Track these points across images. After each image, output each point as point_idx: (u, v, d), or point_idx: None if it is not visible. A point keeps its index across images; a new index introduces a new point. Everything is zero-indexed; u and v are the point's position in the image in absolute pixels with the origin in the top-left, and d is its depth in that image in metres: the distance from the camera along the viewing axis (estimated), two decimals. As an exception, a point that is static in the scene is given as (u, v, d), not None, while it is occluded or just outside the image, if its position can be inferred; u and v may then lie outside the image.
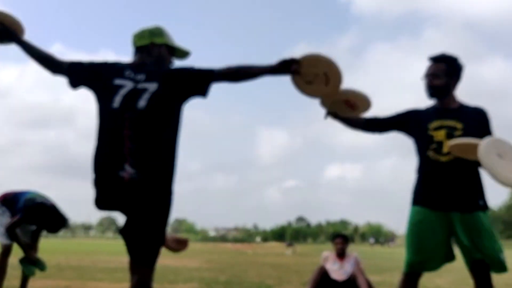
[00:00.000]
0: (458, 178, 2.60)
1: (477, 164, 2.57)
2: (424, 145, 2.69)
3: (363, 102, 2.79)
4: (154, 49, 2.34)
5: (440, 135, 2.66)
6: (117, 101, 2.18)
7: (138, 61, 2.34)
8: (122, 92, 2.20)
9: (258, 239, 67.24)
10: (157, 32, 2.39)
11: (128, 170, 2.10)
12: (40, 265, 4.58)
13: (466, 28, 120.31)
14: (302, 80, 2.54)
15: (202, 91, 2.27)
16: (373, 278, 6.57)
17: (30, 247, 4.55)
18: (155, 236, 2.19)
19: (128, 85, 2.21)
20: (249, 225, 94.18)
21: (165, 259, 12.23)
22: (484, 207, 2.63)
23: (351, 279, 5.23)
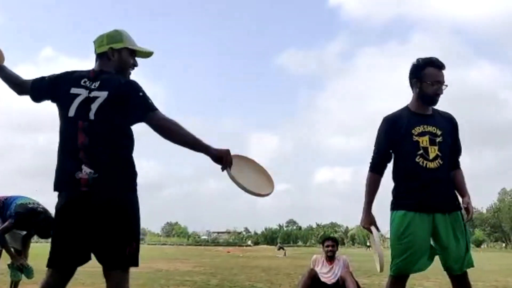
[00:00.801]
0: (444, 182, 2.71)
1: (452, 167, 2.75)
2: (410, 151, 2.72)
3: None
4: (114, 55, 2.31)
5: (424, 140, 2.71)
6: (72, 110, 2.18)
7: (97, 68, 2.31)
8: (77, 100, 2.19)
9: (249, 242, 67.11)
10: (115, 36, 2.33)
11: (86, 170, 2.10)
12: (27, 272, 4.53)
13: (454, 33, 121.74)
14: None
15: (140, 119, 2.21)
16: (361, 281, 6.64)
17: (18, 253, 4.52)
18: (124, 235, 2.12)
19: (82, 93, 2.20)
20: (240, 228, 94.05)
21: (157, 263, 12.19)
22: (460, 206, 2.76)
23: (340, 282, 5.28)
